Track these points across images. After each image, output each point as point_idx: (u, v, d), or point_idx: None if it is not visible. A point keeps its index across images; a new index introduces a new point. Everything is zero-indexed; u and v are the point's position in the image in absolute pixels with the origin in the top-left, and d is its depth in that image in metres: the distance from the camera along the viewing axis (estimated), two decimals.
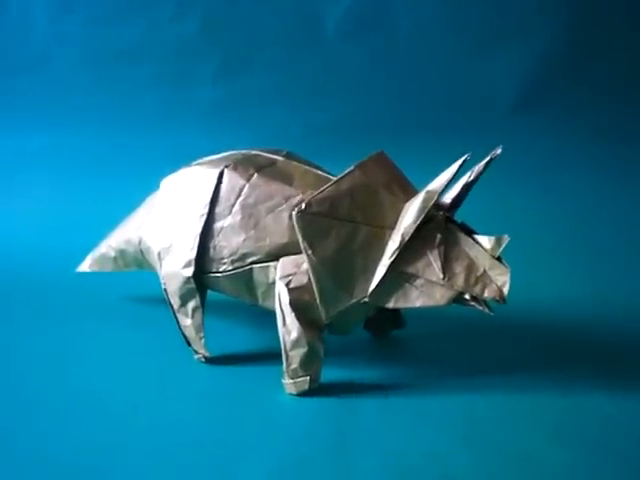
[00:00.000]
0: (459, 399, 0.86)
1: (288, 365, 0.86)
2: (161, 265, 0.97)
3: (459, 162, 0.82)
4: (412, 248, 0.82)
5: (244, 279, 0.91)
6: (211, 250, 0.92)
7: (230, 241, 0.91)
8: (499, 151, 0.82)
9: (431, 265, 0.81)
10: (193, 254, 0.93)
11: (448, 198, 0.86)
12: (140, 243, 1.03)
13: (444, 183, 0.82)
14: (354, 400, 0.85)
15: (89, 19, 1.88)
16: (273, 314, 0.87)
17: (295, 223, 0.83)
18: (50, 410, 0.83)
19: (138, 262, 1.07)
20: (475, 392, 0.87)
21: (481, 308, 0.81)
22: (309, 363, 0.85)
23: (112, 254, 1.11)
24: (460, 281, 0.80)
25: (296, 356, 0.85)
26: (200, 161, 1.01)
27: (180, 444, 0.76)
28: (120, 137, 1.79)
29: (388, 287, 0.82)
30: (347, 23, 1.87)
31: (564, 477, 0.72)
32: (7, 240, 1.47)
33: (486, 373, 0.92)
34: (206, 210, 0.93)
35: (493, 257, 0.81)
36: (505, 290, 0.80)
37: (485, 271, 0.80)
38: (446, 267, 0.81)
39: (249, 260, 0.90)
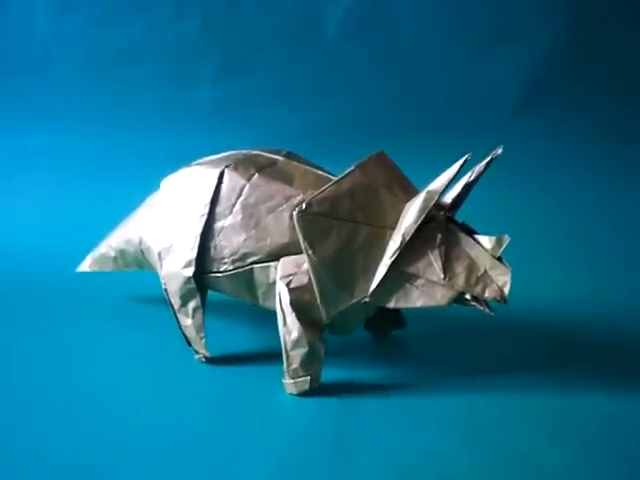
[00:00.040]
0: (459, 399, 0.86)
1: (289, 365, 0.86)
2: (161, 265, 0.97)
3: (460, 162, 0.82)
4: (413, 248, 0.82)
5: (245, 279, 0.91)
6: (212, 250, 0.92)
7: (231, 241, 0.91)
8: (500, 151, 0.82)
9: (432, 265, 0.81)
10: (194, 254, 0.93)
11: (449, 198, 0.86)
12: (140, 243, 1.03)
13: (445, 183, 0.82)
14: (354, 400, 0.85)
15: (89, 19, 1.88)
16: (274, 314, 0.87)
17: (296, 223, 0.83)
18: (50, 410, 0.83)
19: (138, 262, 1.07)
20: (475, 392, 0.87)
21: (482, 308, 0.81)
22: (310, 363, 0.85)
23: (112, 254, 1.11)
24: (461, 281, 0.80)
25: (297, 356, 0.85)
26: (200, 161, 1.01)
27: (180, 444, 0.76)
28: (120, 137, 1.79)
29: (389, 287, 0.82)
30: (347, 23, 1.87)
31: (564, 477, 0.72)
32: (7, 240, 1.47)
33: (486, 373, 0.92)
34: (207, 210, 0.93)
35: (494, 257, 0.81)
36: (506, 290, 0.80)
37: (486, 271, 0.80)
38: (447, 267, 0.81)
39: (250, 260, 0.90)
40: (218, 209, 0.92)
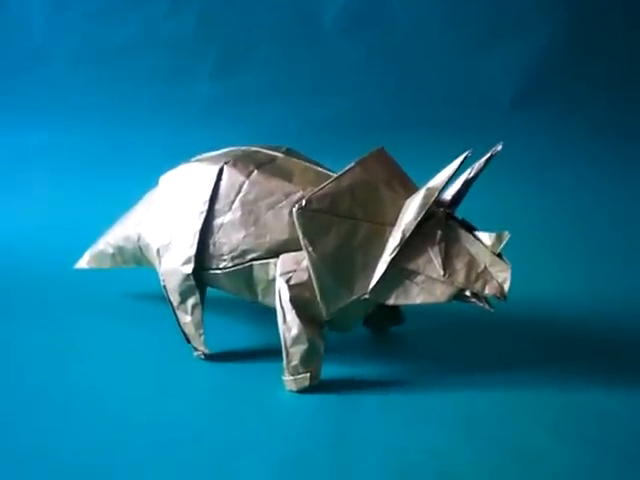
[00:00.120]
0: (459, 395, 0.86)
1: (288, 362, 0.86)
2: (160, 262, 0.96)
3: (460, 159, 0.82)
4: (413, 245, 0.81)
5: (244, 276, 0.91)
6: (211, 247, 0.92)
7: (230, 238, 0.91)
8: (499, 147, 0.82)
9: (432, 262, 0.81)
10: (193, 251, 0.92)
11: (448, 195, 0.86)
12: (139, 240, 1.03)
13: (445, 180, 0.82)
14: (354, 397, 0.85)
15: (85, 16, 1.88)
16: (273, 311, 0.87)
17: (295, 220, 0.83)
18: (49, 406, 0.83)
19: (136, 259, 1.07)
20: (475, 388, 0.87)
21: (481, 304, 0.81)
22: (309, 360, 0.85)
23: (110, 251, 1.11)
24: (461, 278, 0.80)
25: (296, 353, 0.85)
26: (199, 157, 1.00)
27: (180, 441, 0.76)
28: (118, 135, 1.78)
29: (389, 284, 0.82)
30: (344, 19, 1.87)
31: (564, 472, 0.72)
32: (6, 237, 1.46)
33: (486, 369, 0.92)
34: (206, 207, 0.92)
35: (494, 254, 0.81)
36: (506, 287, 0.80)
37: (486, 267, 0.80)
38: (447, 264, 0.81)
39: (249, 257, 0.90)
40: (217, 206, 0.92)
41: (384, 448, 0.75)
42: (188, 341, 0.95)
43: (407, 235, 0.81)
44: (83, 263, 1.15)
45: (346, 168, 0.86)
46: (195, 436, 0.77)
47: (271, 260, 0.89)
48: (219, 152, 0.99)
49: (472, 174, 0.84)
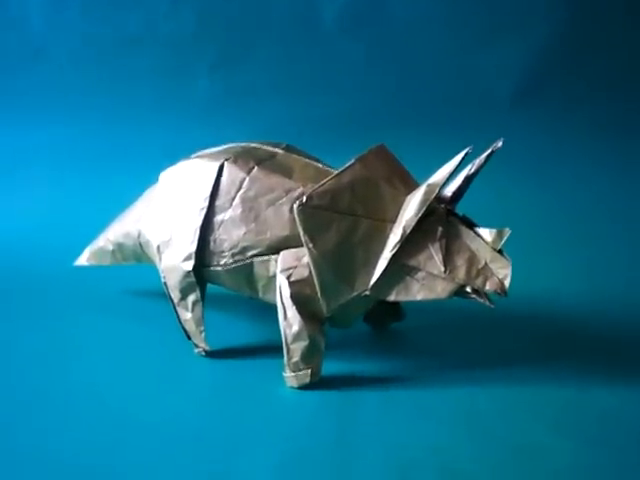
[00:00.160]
0: (459, 392, 0.86)
1: (289, 358, 0.86)
2: (160, 259, 0.96)
3: (461, 155, 0.82)
4: (413, 241, 0.81)
5: (245, 272, 0.91)
6: (211, 243, 0.92)
7: (230, 234, 0.91)
8: (500, 144, 0.82)
9: (432, 258, 0.81)
10: (193, 247, 0.92)
11: (449, 191, 0.86)
12: (139, 236, 1.03)
13: (445, 176, 0.82)
14: (355, 393, 0.86)
15: (85, 14, 1.87)
16: (273, 307, 0.87)
17: (296, 216, 0.83)
18: (49, 404, 0.83)
19: (137, 256, 1.07)
20: (475, 384, 0.87)
21: (482, 301, 0.81)
22: (310, 356, 0.85)
23: (110, 247, 1.10)
24: (461, 274, 0.80)
25: (297, 349, 0.85)
26: (199, 154, 1.00)
27: (181, 438, 0.76)
28: (117, 132, 1.78)
29: (389, 280, 0.82)
30: (344, 18, 1.87)
31: (564, 468, 0.72)
32: (6, 235, 1.46)
33: (486, 366, 0.92)
34: (206, 203, 0.92)
35: (494, 250, 0.81)
36: (506, 283, 0.80)
37: (486, 264, 0.80)
38: (447, 260, 0.81)
39: (250, 253, 0.90)
40: (218, 202, 0.92)
41: (385, 444, 0.75)
42: (189, 338, 0.95)
43: (408, 231, 0.81)
44: (83, 260, 1.15)
45: (346, 165, 0.86)
46: (196, 433, 0.77)
47: (272, 257, 0.89)
48: (219, 149, 0.99)
49: (473, 170, 0.84)
